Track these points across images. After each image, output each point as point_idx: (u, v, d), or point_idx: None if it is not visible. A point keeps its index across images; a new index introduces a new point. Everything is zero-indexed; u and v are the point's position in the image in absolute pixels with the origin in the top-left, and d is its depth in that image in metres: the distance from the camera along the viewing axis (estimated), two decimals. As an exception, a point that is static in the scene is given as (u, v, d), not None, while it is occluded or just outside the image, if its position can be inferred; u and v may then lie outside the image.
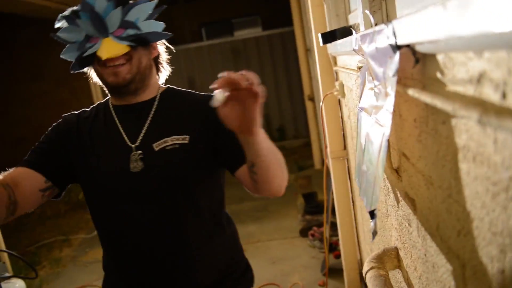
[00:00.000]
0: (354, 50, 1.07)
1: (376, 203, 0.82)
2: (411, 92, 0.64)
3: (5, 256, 2.70)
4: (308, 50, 4.98)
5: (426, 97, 0.57)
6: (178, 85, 1.32)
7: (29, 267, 1.87)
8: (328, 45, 1.87)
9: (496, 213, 0.47)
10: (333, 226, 3.42)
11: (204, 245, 1.21)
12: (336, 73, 1.94)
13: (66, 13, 1.14)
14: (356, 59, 1.37)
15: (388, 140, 0.76)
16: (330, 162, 2.15)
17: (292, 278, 2.99)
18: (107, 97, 1.29)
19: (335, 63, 1.97)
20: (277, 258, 3.31)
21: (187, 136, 1.17)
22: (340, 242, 2.29)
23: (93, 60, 1.14)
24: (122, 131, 1.19)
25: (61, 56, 1.17)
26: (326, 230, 2.32)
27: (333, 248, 3.00)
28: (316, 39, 2.00)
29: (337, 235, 3.37)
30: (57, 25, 1.16)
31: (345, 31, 1.65)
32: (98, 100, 6.01)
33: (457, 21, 0.43)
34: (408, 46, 0.66)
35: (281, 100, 6.97)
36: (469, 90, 0.50)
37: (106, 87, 1.20)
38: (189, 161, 1.16)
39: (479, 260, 0.54)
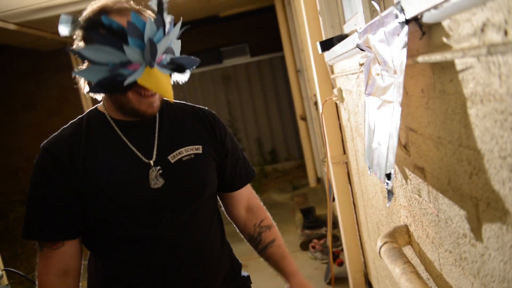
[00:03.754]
0: (357, 45, 1.18)
1: (391, 168, 0.91)
2: (420, 59, 0.74)
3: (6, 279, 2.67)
4: (299, 71, 5.15)
5: (436, 56, 0.67)
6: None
7: None
8: (325, 54, 2.00)
9: (504, 138, 0.57)
10: (334, 237, 3.47)
11: (221, 254, 1.23)
12: (334, 80, 2.06)
13: (98, 30, 0.95)
14: (356, 59, 1.49)
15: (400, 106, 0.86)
16: (331, 168, 2.24)
17: (295, 290, 3.00)
18: (94, 108, 1.16)
19: (332, 72, 2.10)
20: (279, 272, 3.33)
21: (200, 146, 1.17)
22: (344, 245, 2.35)
23: (125, 86, 0.98)
24: (133, 147, 1.10)
25: (77, 75, 0.99)
26: (329, 237, 2.38)
27: (335, 256, 3.04)
28: (313, 49, 2.13)
29: (338, 246, 3.42)
30: (70, 33, 0.98)
31: (341, 38, 1.78)
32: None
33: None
34: (415, 20, 0.77)
35: (272, 123, 7.11)
36: (473, 42, 0.61)
37: (127, 111, 1.07)
38: (206, 170, 1.17)
39: (492, 190, 0.63)
